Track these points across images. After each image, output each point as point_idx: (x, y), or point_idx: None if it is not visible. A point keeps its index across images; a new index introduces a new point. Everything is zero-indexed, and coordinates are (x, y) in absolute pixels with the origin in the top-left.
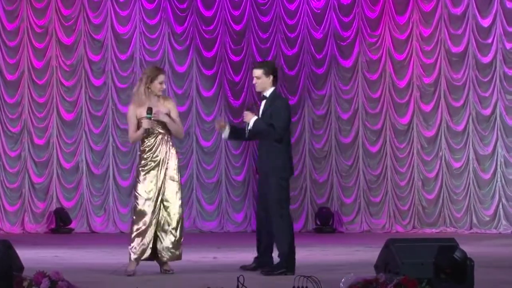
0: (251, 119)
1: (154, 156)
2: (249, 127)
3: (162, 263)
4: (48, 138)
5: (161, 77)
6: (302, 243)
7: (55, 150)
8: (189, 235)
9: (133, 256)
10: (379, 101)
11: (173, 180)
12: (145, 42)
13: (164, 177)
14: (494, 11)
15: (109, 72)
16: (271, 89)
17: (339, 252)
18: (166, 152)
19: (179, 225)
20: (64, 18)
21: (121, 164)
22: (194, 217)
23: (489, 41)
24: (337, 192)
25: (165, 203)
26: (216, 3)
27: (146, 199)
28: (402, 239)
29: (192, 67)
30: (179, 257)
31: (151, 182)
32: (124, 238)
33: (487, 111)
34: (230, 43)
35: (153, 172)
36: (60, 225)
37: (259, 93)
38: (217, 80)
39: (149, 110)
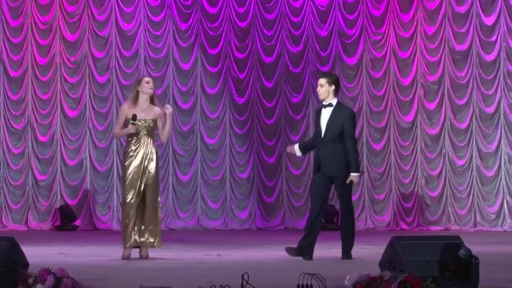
0: (353, 178)
1: (136, 155)
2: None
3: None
4: (52, 135)
5: (146, 78)
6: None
7: (59, 147)
8: (193, 232)
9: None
10: (383, 99)
11: (151, 179)
12: (150, 39)
13: (146, 176)
14: (498, 9)
15: (113, 69)
16: (335, 100)
17: None
18: (148, 154)
19: (157, 219)
20: (68, 14)
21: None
22: (199, 214)
23: (493, 39)
24: None
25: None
26: (221, 0)
27: (130, 193)
28: (407, 236)
29: (196, 64)
30: (156, 245)
31: (134, 178)
32: None
33: (491, 109)
34: (235, 40)
35: (136, 170)
36: (64, 222)
37: (322, 101)
38: (221, 77)
39: (134, 117)
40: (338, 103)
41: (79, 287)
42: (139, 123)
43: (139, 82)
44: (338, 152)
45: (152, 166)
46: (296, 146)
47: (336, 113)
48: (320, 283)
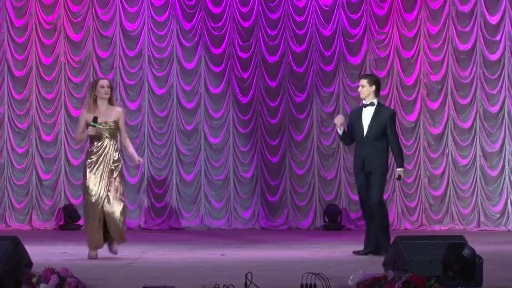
0: (399, 172)
1: (100, 158)
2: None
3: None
4: (56, 135)
5: (101, 82)
6: (311, 241)
7: (63, 147)
8: (196, 232)
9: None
10: (387, 99)
11: (116, 179)
12: (154, 38)
13: (109, 176)
14: (502, 8)
15: (117, 68)
16: (376, 99)
17: (347, 249)
18: (111, 155)
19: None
20: (72, 14)
21: (128, 161)
22: (202, 214)
23: (497, 38)
24: (345, 189)
25: (110, 196)
26: (225, 0)
27: (93, 194)
28: (411, 236)
29: (200, 64)
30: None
31: (96, 179)
32: (132, 235)
33: (495, 108)
34: (239, 40)
35: (98, 171)
36: (68, 222)
37: (362, 100)
38: (225, 77)
39: (95, 119)
40: (379, 103)
41: (82, 286)
42: (100, 126)
43: (94, 86)
44: (381, 150)
45: (115, 175)
46: (343, 126)
47: (378, 112)
48: (323, 283)
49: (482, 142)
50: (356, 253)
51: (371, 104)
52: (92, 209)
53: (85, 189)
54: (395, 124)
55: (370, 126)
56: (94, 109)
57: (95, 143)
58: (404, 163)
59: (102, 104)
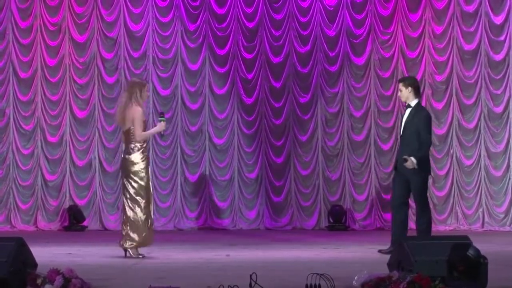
0: (412, 164)
1: (148, 160)
2: (415, 166)
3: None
4: (61, 136)
5: (147, 86)
6: (315, 241)
7: (68, 148)
8: (201, 232)
9: None
10: (391, 99)
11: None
12: (158, 39)
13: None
14: (507, 8)
15: (122, 69)
16: (415, 100)
17: (352, 250)
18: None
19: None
20: (77, 15)
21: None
22: (207, 214)
23: (502, 38)
24: (349, 189)
25: None
26: (229, 1)
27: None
28: (415, 236)
29: (204, 65)
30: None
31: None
32: None
33: (499, 109)
34: (243, 40)
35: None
36: (73, 223)
37: (404, 102)
38: (229, 77)
39: (162, 114)
40: (417, 104)
41: (87, 287)
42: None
43: (141, 89)
44: (413, 152)
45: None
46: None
47: (414, 114)
48: (328, 283)
49: (486, 142)
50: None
51: (409, 106)
52: (149, 207)
53: (148, 187)
54: (429, 126)
55: (404, 128)
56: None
57: (144, 145)
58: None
59: (142, 105)
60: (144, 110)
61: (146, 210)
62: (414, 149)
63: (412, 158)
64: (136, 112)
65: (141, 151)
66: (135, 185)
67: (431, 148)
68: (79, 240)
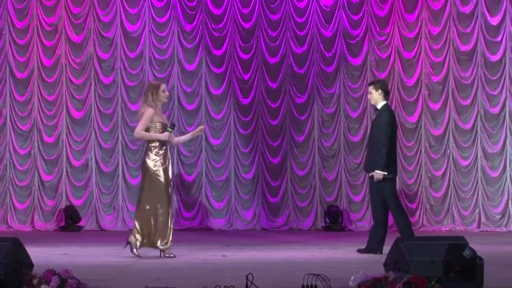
0: (378, 175)
1: (165, 161)
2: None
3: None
4: (58, 136)
5: (163, 86)
6: (312, 241)
7: (64, 148)
8: (198, 232)
9: None
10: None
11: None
12: (154, 40)
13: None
14: (503, 9)
15: (119, 70)
16: (383, 102)
17: (348, 250)
18: (169, 158)
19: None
20: (73, 16)
21: (130, 162)
22: (203, 215)
23: (498, 39)
24: (345, 190)
25: None
26: (225, 1)
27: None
28: (412, 237)
29: (201, 65)
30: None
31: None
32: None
33: (496, 109)
34: (239, 41)
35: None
36: (69, 223)
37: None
38: (226, 78)
39: (173, 126)
40: (383, 106)
41: (83, 287)
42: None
43: (156, 89)
44: (373, 152)
45: (170, 170)
46: None
47: (378, 115)
48: (324, 284)
49: (483, 143)
50: (359, 251)
51: (377, 108)
52: (144, 212)
53: (168, 187)
54: (388, 128)
55: (371, 129)
56: (156, 110)
57: (164, 147)
58: (406, 164)
59: (158, 107)
60: (160, 112)
61: (139, 213)
62: (374, 150)
63: (376, 172)
64: (146, 111)
65: (154, 152)
66: (143, 184)
67: (428, 149)
68: (75, 240)
